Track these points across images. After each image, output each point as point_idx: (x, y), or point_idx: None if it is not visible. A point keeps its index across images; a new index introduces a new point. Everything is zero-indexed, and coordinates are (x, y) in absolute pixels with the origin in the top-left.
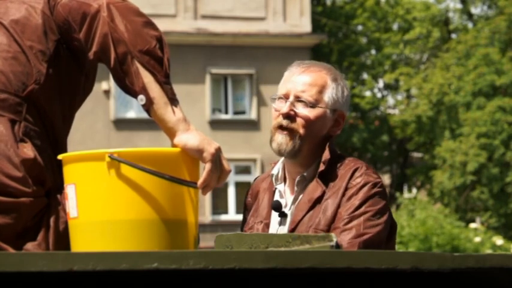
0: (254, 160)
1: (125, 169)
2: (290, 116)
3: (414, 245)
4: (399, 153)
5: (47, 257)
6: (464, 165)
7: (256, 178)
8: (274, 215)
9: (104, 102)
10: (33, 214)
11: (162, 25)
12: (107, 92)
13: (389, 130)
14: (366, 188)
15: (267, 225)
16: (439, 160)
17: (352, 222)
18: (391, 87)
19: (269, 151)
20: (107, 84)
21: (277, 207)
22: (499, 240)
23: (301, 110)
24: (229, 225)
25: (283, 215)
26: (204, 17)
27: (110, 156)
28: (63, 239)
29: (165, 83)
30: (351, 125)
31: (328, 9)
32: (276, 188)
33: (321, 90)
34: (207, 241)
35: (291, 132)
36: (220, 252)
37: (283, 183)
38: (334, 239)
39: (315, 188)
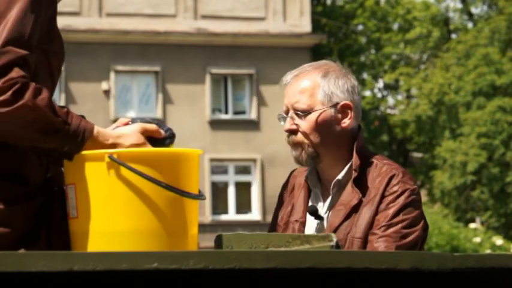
0: (254, 160)
1: (125, 169)
2: (293, 131)
3: None
4: (399, 153)
5: (47, 257)
6: (464, 165)
7: (292, 171)
8: (311, 217)
9: (104, 102)
10: (28, 217)
11: (162, 25)
12: (107, 92)
13: (390, 130)
14: (403, 196)
15: (303, 224)
16: (439, 160)
17: (390, 229)
18: (391, 87)
19: (269, 151)
20: (106, 84)
21: (313, 212)
22: (498, 240)
23: (300, 122)
24: (229, 225)
25: (319, 218)
26: (204, 17)
27: (109, 157)
28: (63, 239)
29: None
30: None
31: (328, 9)
32: (311, 190)
33: (312, 92)
34: (207, 241)
35: (301, 145)
36: (220, 252)
37: (319, 185)
38: (334, 239)
39: (350, 194)
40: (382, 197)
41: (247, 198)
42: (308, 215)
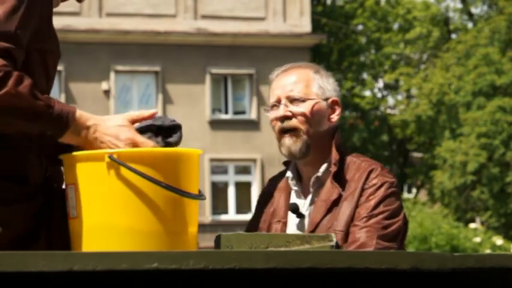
0: (254, 160)
1: (125, 170)
2: (288, 117)
3: (413, 246)
4: (399, 153)
5: (47, 257)
6: (464, 165)
7: (270, 179)
8: (292, 216)
9: (104, 102)
10: (27, 217)
11: (162, 25)
12: (107, 92)
13: (390, 130)
14: (382, 189)
15: (285, 224)
16: (439, 160)
17: (371, 220)
18: (391, 87)
19: (269, 151)
20: (106, 84)
21: (294, 209)
22: (499, 240)
23: (296, 108)
24: (229, 225)
25: (301, 216)
26: (204, 17)
27: (109, 157)
28: (63, 239)
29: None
30: (351, 125)
31: (328, 9)
32: (292, 189)
33: (308, 84)
34: (207, 241)
35: (295, 132)
36: (220, 252)
37: (299, 184)
38: (334, 239)
39: (330, 189)
40: (362, 190)
41: (247, 198)
42: (289, 215)
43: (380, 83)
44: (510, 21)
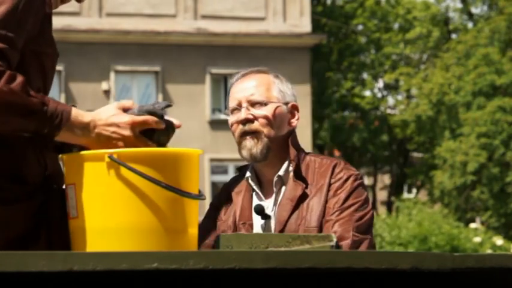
0: None
1: (125, 169)
2: (249, 120)
3: (413, 246)
4: (399, 153)
5: (47, 257)
6: (464, 165)
7: (224, 184)
8: (257, 218)
9: (104, 102)
10: (27, 217)
11: (162, 25)
12: (107, 92)
13: (390, 130)
14: (349, 181)
15: (251, 226)
16: (439, 160)
17: (344, 213)
18: (391, 87)
19: None
20: (107, 84)
21: (260, 210)
22: (499, 240)
23: (257, 111)
24: None
25: (266, 217)
26: (204, 17)
27: (109, 157)
28: (63, 239)
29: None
30: (351, 125)
31: (328, 9)
32: (253, 191)
33: (268, 87)
34: None
35: (256, 134)
36: (220, 252)
37: (259, 186)
38: (334, 239)
39: (294, 187)
40: (329, 185)
41: None
42: (254, 217)
43: (380, 83)
44: (510, 21)
